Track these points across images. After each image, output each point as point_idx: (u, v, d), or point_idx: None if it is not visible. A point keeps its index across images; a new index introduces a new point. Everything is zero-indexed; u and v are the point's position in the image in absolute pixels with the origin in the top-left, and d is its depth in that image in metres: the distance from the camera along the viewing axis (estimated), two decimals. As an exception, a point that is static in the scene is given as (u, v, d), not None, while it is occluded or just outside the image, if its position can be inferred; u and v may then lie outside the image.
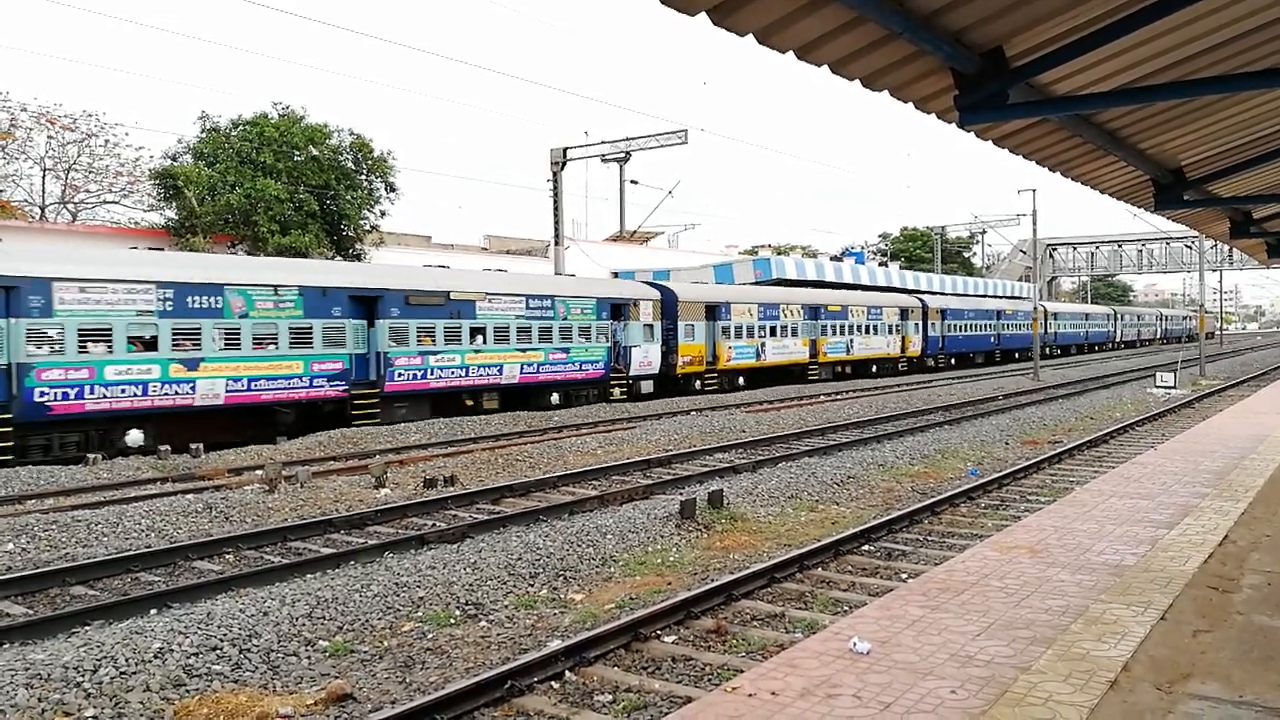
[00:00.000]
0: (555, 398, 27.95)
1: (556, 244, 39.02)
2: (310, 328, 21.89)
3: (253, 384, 20.89)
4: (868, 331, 42.93)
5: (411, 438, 20.94)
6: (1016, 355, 55.81)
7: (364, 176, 37.99)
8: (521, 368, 26.85)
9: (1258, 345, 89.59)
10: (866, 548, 10.82)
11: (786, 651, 5.52)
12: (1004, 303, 57.33)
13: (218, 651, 7.25)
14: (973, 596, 6.32)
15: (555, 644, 7.51)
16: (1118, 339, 77.27)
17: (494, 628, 8.29)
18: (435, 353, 24.32)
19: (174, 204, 34.31)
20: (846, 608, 8.24)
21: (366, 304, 23.11)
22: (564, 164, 39.10)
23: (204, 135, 35.48)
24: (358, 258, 37.06)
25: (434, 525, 12.26)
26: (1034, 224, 42.78)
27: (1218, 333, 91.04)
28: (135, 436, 19.31)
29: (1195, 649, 5.27)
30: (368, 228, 38.63)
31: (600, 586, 9.56)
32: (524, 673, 6.75)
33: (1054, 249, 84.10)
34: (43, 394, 17.81)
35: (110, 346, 18.71)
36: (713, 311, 33.91)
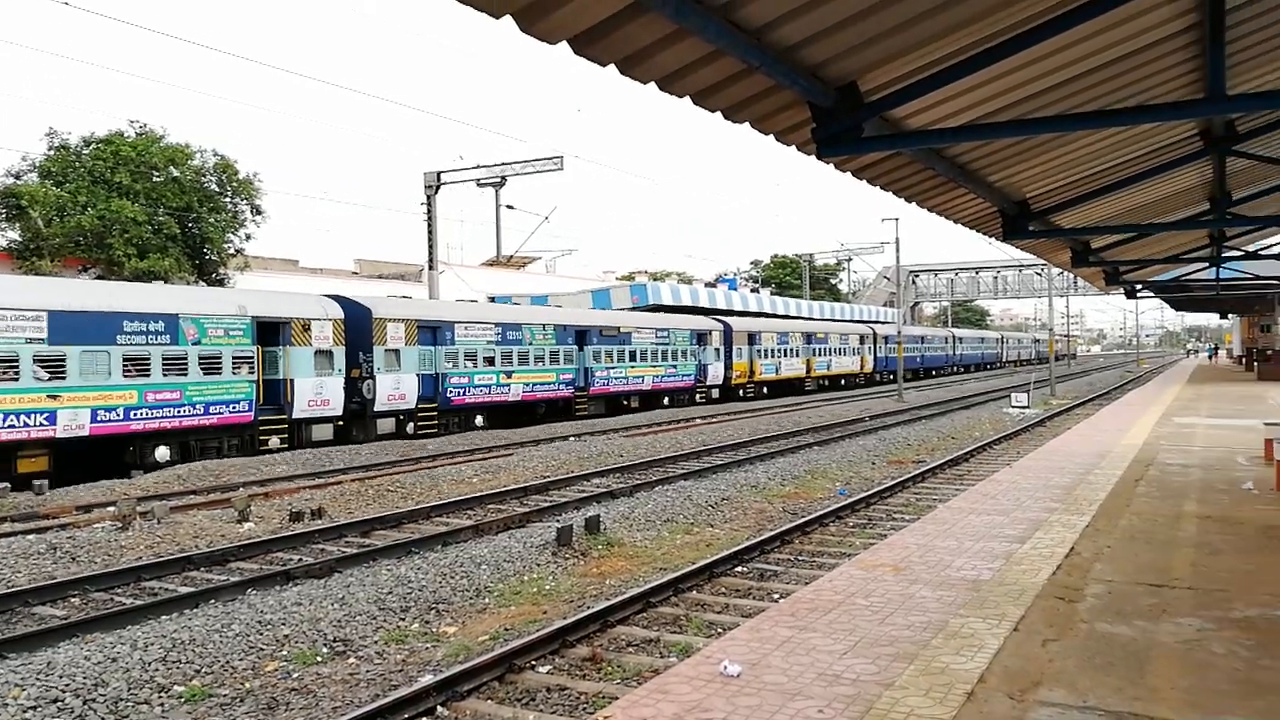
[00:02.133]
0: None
1: (430, 268, 38.45)
2: (559, 352, 32.15)
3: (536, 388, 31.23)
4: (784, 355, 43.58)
5: (278, 469, 20.18)
6: (879, 377, 57.19)
7: (228, 199, 36.63)
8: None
9: (1101, 366, 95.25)
10: (740, 569, 10.97)
11: (659, 677, 5.51)
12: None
13: (59, 704, 6.79)
14: (840, 615, 6.46)
15: (427, 679, 7.34)
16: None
17: (363, 664, 8.03)
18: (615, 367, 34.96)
19: (17, 225, 32.30)
20: (720, 630, 8.32)
21: (578, 335, 33.17)
22: (438, 188, 38.63)
23: (52, 153, 33.57)
24: (220, 282, 35.67)
25: (300, 560, 11.82)
26: (897, 252, 44.52)
27: (1076, 354, 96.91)
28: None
29: (1044, 658, 5.52)
30: (232, 251, 37.24)
31: (474, 618, 9.39)
32: (394, 710, 6.57)
33: (916, 275, 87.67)
34: None
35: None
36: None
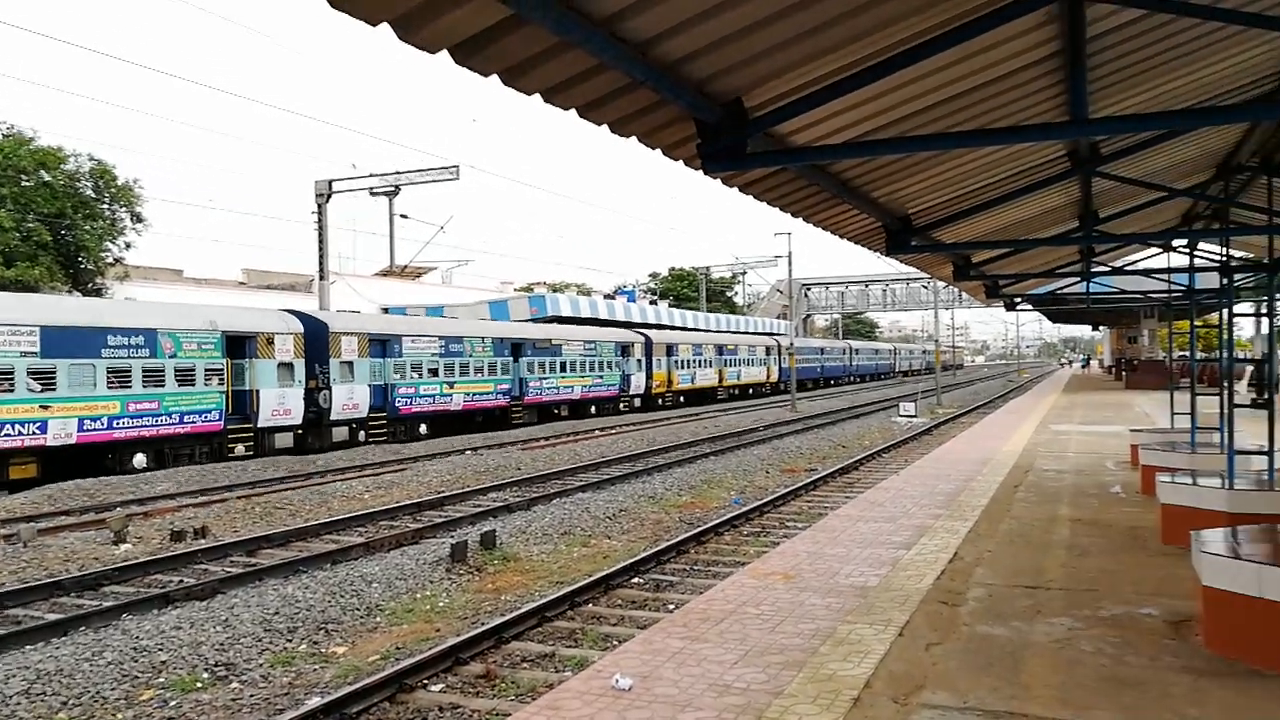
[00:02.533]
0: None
1: (321, 279, 37.49)
2: (496, 364, 33.17)
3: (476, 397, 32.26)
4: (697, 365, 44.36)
5: (159, 487, 19.36)
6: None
7: (106, 205, 35.07)
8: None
9: (985, 376, 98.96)
10: (636, 580, 10.99)
11: (551, 693, 5.47)
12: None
13: (-95, 745, 6.35)
14: (731, 625, 6.52)
15: (314, 701, 7.13)
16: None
17: (247, 689, 7.75)
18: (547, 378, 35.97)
19: None
20: (615, 642, 8.30)
21: (514, 348, 34.28)
22: (329, 196, 37.72)
23: (-92, 154, 31.66)
24: (98, 293, 34.10)
25: (181, 581, 11.35)
26: (790, 265, 45.43)
27: (964, 365, 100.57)
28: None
29: (928, 661, 5.67)
30: (110, 260, 35.64)
31: (365, 638, 9.17)
32: (277, 736, 6.35)
33: (808, 288, 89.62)
34: None
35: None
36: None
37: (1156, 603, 6.80)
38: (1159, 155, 8.40)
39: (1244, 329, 44.30)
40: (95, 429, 20.71)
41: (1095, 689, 5.16)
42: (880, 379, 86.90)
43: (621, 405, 41.94)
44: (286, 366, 25.17)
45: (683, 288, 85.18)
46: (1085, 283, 14.18)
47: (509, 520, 14.83)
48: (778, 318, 75.41)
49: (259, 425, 24.46)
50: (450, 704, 7.23)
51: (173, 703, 7.38)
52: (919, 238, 8.05)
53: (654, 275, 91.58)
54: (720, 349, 51.60)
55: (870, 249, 8.32)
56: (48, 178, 32.95)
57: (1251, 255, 14.17)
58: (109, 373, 20.95)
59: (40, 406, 19.68)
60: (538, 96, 3.27)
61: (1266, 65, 6.66)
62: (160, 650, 8.38)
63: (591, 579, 10.57)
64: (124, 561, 12.24)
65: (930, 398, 44.16)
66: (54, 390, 19.93)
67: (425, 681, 7.65)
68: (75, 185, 33.78)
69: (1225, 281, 9.86)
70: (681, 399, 47.36)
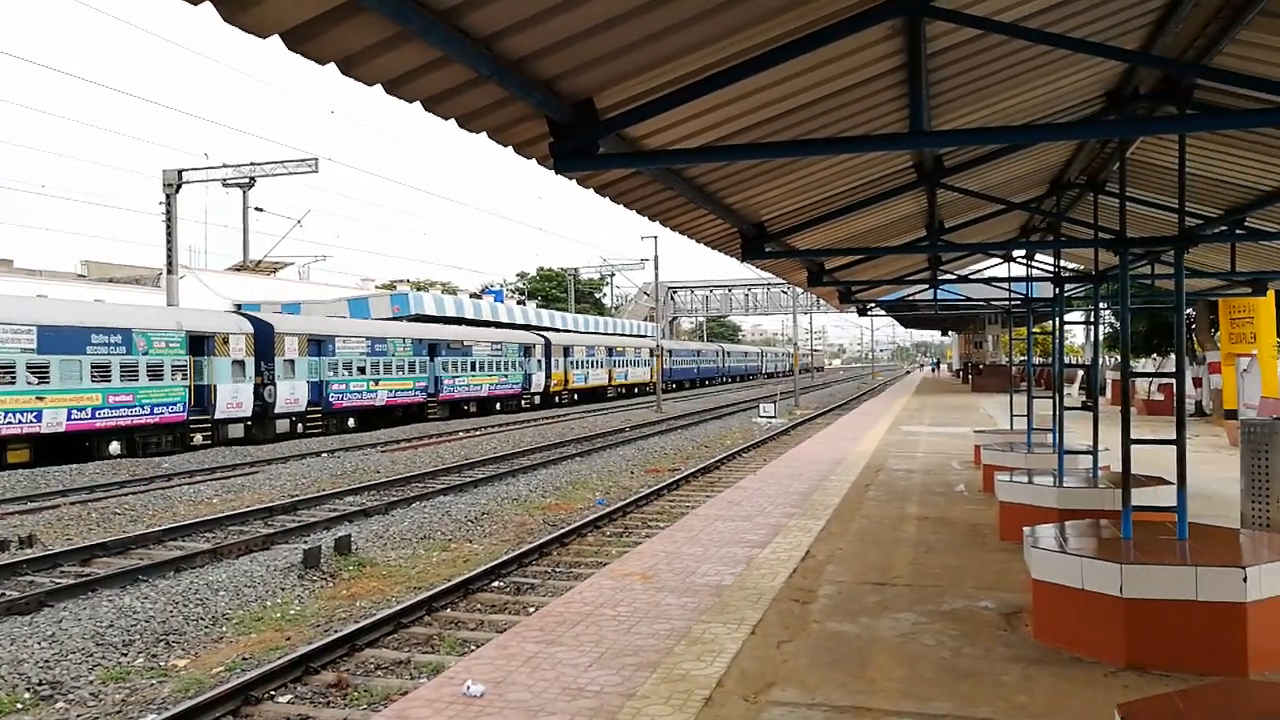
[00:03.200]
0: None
1: (170, 273, 35.68)
2: (415, 363, 35.53)
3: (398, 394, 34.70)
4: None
5: (-20, 494, 18.00)
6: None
7: (-78, 189, 32.39)
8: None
9: (842, 379, 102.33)
10: (497, 584, 10.86)
11: (400, 701, 5.33)
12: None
13: None
14: (587, 627, 6.50)
15: (149, 719, 6.76)
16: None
17: (74, 708, 7.28)
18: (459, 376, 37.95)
19: None
20: (472, 647, 8.17)
21: (430, 348, 36.57)
22: (179, 187, 35.95)
23: None
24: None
25: (2, 594, 10.57)
26: (656, 269, 45.87)
27: (824, 367, 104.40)
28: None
29: (779, 659, 5.79)
30: (-74, 249, 32.97)
31: (209, 649, 8.75)
32: (103, 758, 5.97)
33: (674, 291, 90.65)
34: None
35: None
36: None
37: (993, 596, 7.14)
38: (998, 169, 8.84)
39: (1076, 336, 47.22)
40: (81, 419, 23.24)
41: (935, 681, 5.37)
42: (749, 380, 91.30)
43: (524, 403, 44.84)
44: (239, 364, 27.78)
45: (551, 288, 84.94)
46: (933, 290, 14.81)
47: (366, 525, 14.43)
48: (645, 319, 76.04)
49: (215, 417, 26.99)
50: (299, 714, 6.99)
51: (-12, 726, 6.87)
52: (774, 244, 8.22)
53: (522, 275, 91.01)
54: (610, 350, 54.83)
55: (727, 254, 8.45)
56: None
57: (1082, 267, 15.12)
58: (92, 368, 23.47)
59: (36, 398, 22.18)
60: (380, 88, 3.16)
61: (1092, 88, 7.10)
62: (-25, 670, 7.78)
63: (450, 583, 10.40)
64: (-63, 575, 11.32)
65: (789, 399, 45.33)
66: (48, 383, 22.43)
67: (273, 692, 7.37)
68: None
69: (1057, 291, 10.46)
70: (576, 397, 50.38)
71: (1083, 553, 5.90)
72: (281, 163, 38.00)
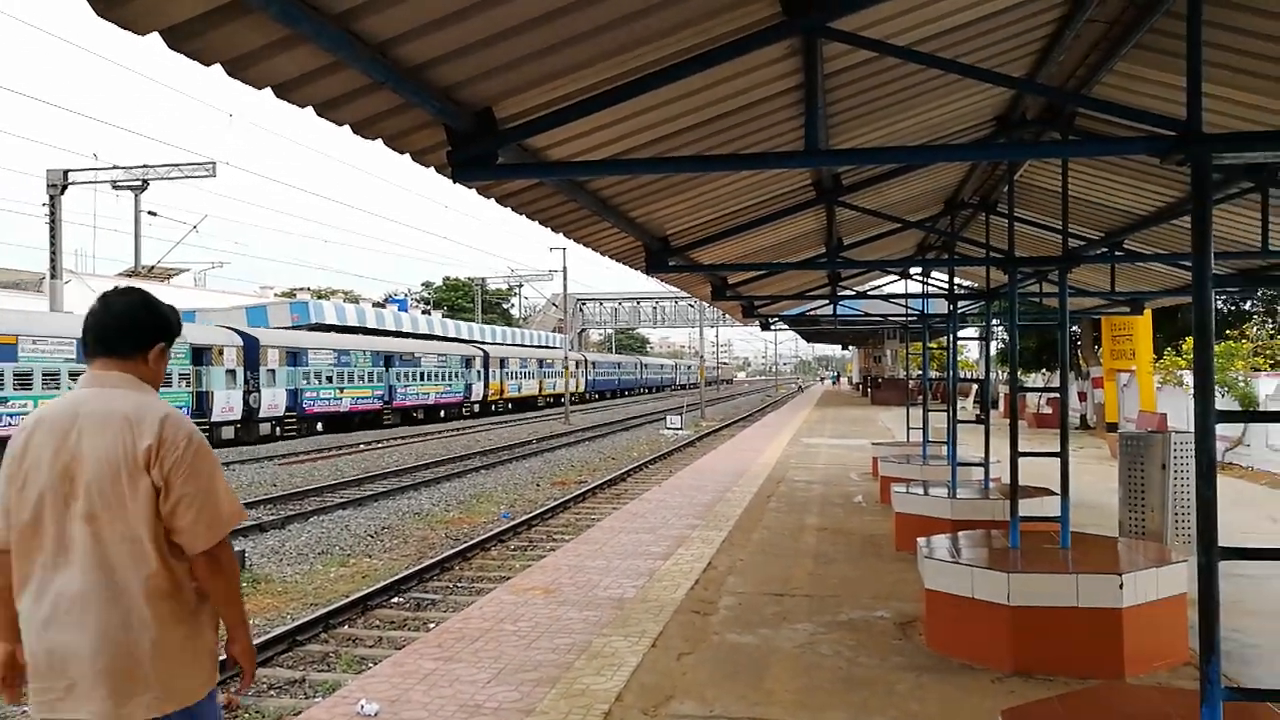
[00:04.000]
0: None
1: (54, 278, 34.04)
2: (373, 373, 39.30)
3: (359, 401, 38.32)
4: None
5: None
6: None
7: None
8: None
9: (746, 391, 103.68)
10: (396, 600, 10.64)
11: (291, 724, 5.16)
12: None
13: None
14: (487, 643, 6.41)
15: (17, 750, 6.38)
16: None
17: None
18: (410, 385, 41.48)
19: None
20: (370, 665, 7.98)
21: (386, 359, 40.29)
22: (64, 188, 34.35)
23: None
24: None
25: None
26: (564, 280, 45.81)
27: (734, 379, 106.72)
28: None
29: (678, 671, 5.80)
30: None
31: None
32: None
33: (584, 303, 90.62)
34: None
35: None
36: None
37: (889, 606, 7.29)
38: (895, 189, 9.08)
39: (969, 351, 48.84)
40: None
41: (831, 690, 5.45)
42: (662, 390, 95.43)
43: (464, 410, 48.14)
44: (231, 373, 31.09)
45: (457, 298, 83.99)
46: (833, 305, 15.14)
47: (260, 540, 13.99)
48: (553, 330, 75.76)
49: (212, 420, 29.69)
50: (181, 741, 6.68)
51: None
52: (678, 258, 8.28)
53: (427, 285, 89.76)
54: (541, 362, 58.76)
55: (631, 267, 8.47)
56: None
57: (974, 284, 15.65)
58: None
59: None
60: (269, 91, 3.07)
61: (984, 112, 7.35)
62: None
63: (348, 599, 10.15)
64: None
65: (696, 411, 45.70)
66: None
67: (153, 718, 7.03)
68: None
69: (952, 307, 10.79)
70: (510, 405, 54.09)
71: (973, 562, 6.07)
72: (176, 165, 36.69)
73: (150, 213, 45.21)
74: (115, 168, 36.51)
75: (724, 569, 8.66)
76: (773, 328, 20.42)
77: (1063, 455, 6.51)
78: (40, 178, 34.30)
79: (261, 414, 32.26)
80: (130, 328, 2.79)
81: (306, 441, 32.63)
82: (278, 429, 33.41)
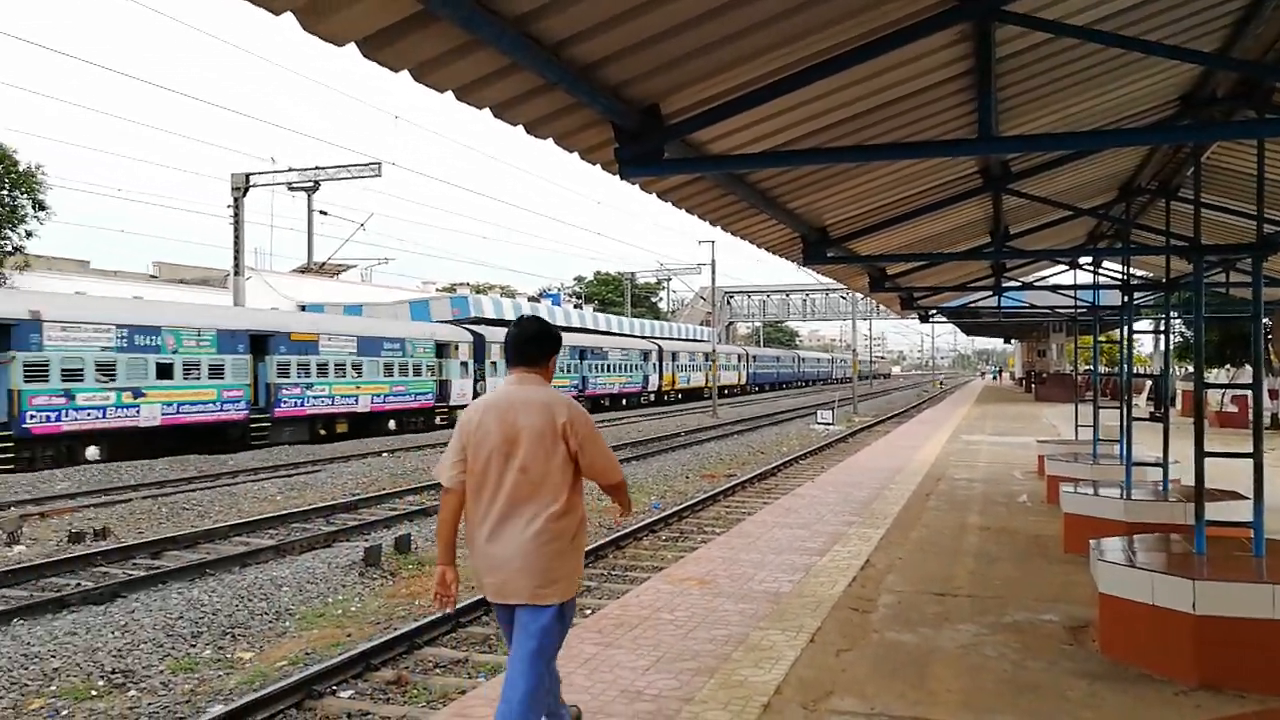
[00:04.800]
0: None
1: (237, 274, 36.55)
2: (570, 365, 43.61)
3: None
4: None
5: (58, 486, 18.62)
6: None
7: (5, 191, 33.59)
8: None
9: (901, 386, 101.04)
10: (553, 586, 10.91)
11: (461, 699, 5.39)
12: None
13: None
14: (645, 631, 6.51)
15: (216, 709, 6.91)
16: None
17: (145, 696, 7.47)
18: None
19: None
20: (529, 649, 8.23)
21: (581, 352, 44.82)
22: (246, 190, 36.82)
23: None
24: (-4, 282, 32.67)
25: (78, 585, 10.91)
26: (713, 273, 45.81)
27: (890, 374, 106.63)
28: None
29: (837, 667, 5.74)
30: (9, 249, 34.15)
31: (273, 643, 8.93)
32: (173, 746, 6.14)
33: (731, 296, 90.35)
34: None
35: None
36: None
37: (1057, 609, 7.00)
38: (1066, 175, 8.67)
39: (1144, 345, 46.08)
40: (378, 403, 31.55)
41: (997, 693, 5.29)
42: (819, 384, 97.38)
43: (642, 400, 53.35)
44: (464, 364, 35.80)
45: (607, 292, 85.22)
46: (997, 297, 14.57)
47: (425, 524, 14.61)
48: (700, 324, 75.92)
49: (450, 404, 34.45)
50: (360, 710, 7.07)
51: (64, 712, 7.08)
52: (835, 249, 8.17)
53: (579, 279, 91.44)
54: (707, 356, 60.47)
55: (787, 259, 8.42)
56: (-56, 161, 31.45)
57: (1151, 274, 14.76)
58: (383, 367, 31.44)
59: (355, 386, 30.18)
60: (451, 95, 3.22)
61: (1166, 92, 6.93)
62: (53, 657, 8.04)
63: (508, 584, 10.47)
64: (17, 564, 11.72)
65: (848, 406, 44.90)
66: (360, 376, 30.56)
67: (335, 687, 7.47)
68: (-28, 170, 32.30)
69: (1126, 299, 10.22)
70: (680, 396, 58.59)
71: (1153, 567, 5.76)
72: (346, 167, 38.71)
73: (322, 212, 47.82)
74: (290, 170, 38.82)
75: (882, 567, 8.50)
76: (931, 320, 19.84)
77: (1256, 456, 6.08)
78: (224, 181, 36.84)
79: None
80: (538, 344, 4.06)
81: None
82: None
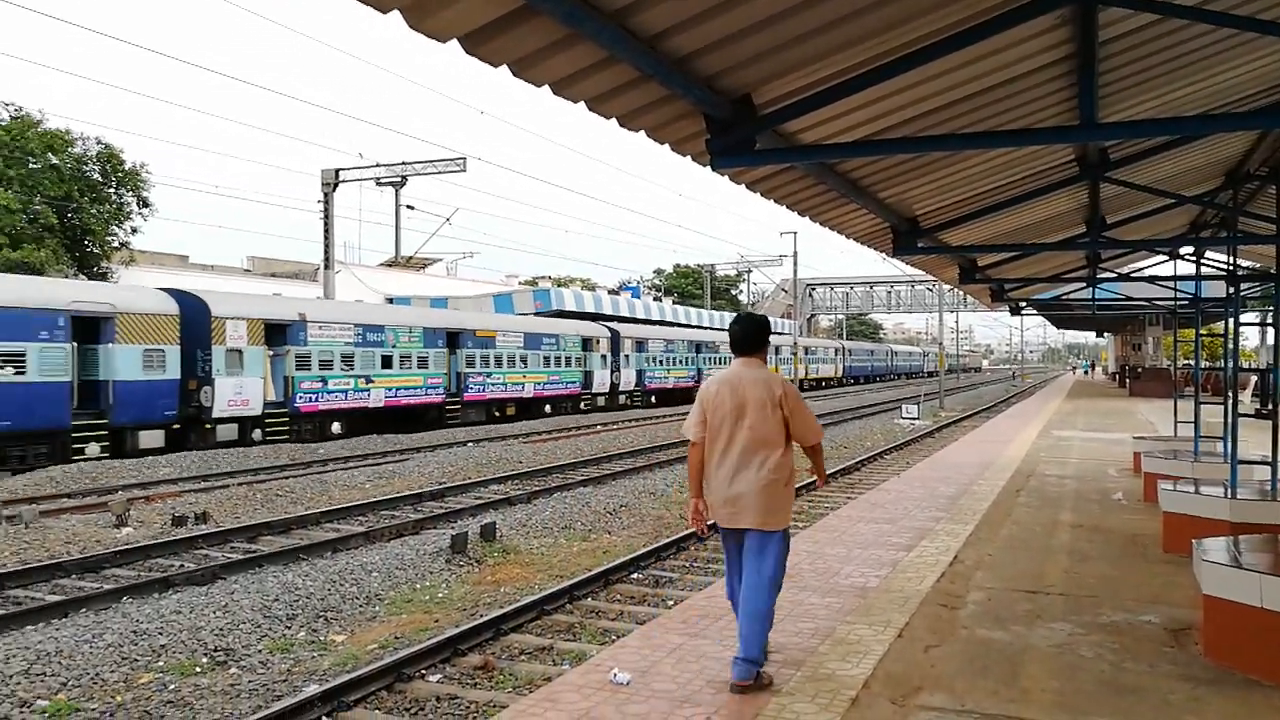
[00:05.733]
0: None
1: (327, 268, 37.52)
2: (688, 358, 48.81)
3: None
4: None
5: (161, 471, 19.41)
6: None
7: (113, 189, 35.08)
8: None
9: (988, 380, 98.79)
10: (636, 576, 10.98)
11: (549, 685, 5.47)
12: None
13: (-94, 721, 6.37)
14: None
15: (312, 689, 7.13)
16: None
17: (245, 674, 7.75)
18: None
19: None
20: (613, 637, 8.30)
21: (697, 346, 49.83)
22: (336, 185, 37.74)
23: (-83, 135, 31.65)
24: (104, 276, 34.14)
25: (182, 566, 11.37)
26: (795, 265, 45.40)
27: (981, 368, 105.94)
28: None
29: (926, 663, 5.67)
30: (116, 244, 35.67)
31: (364, 626, 9.17)
32: (274, 722, 6.36)
33: (813, 288, 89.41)
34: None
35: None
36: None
37: (1156, 610, 6.79)
38: (1168, 162, 8.37)
39: (1250, 338, 44.23)
40: (538, 390, 36.51)
41: (1094, 694, 5.16)
42: (911, 378, 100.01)
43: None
44: (604, 357, 40.86)
45: (687, 284, 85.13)
46: (1091, 288, 14.13)
47: (509, 513, 14.83)
48: (782, 316, 75.34)
49: (593, 391, 39.94)
50: (448, 694, 7.23)
51: (171, 686, 7.39)
52: (926, 239, 8.03)
53: (658, 272, 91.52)
54: (807, 350, 64.37)
55: (876, 249, 8.31)
56: (55, 160, 32.97)
57: (1259, 265, 14.14)
58: (543, 359, 36.68)
59: (521, 375, 35.40)
60: (547, 89, 3.27)
61: (1278, 73, 6.64)
62: (160, 634, 8.39)
63: (591, 573, 10.57)
64: (125, 545, 12.27)
65: (933, 400, 44.09)
66: (526, 366, 35.78)
67: (423, 671, 7.65)
68: (82, 168, 33.79)
69: (1232, 290, 9.82)
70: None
71: (1262, 568, 5.54)
72: (432, 162, 39.39)
73: (409, 206, 48.76)
74: (378, 165, 39.65)
75: (971, 563, 8.35)
76: (1021, 313, 19.35)
77: (1373, 455, 5.80)
78: (315, 176, 37.82)
79: (620, 388, 42.26)
80: (758, 336, 5.31)
81: (548, 422, 34.43)
82: (629, 399, 43.52)
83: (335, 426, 27.30)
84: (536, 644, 8.46)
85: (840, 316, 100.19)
